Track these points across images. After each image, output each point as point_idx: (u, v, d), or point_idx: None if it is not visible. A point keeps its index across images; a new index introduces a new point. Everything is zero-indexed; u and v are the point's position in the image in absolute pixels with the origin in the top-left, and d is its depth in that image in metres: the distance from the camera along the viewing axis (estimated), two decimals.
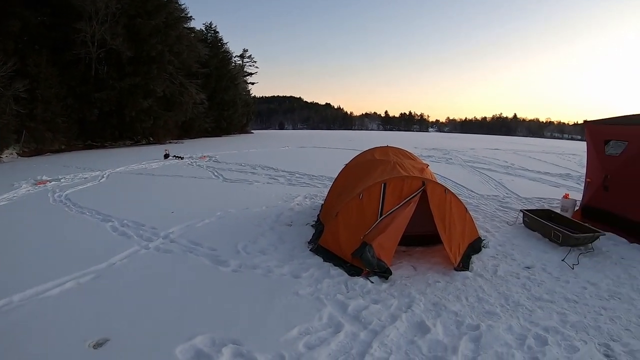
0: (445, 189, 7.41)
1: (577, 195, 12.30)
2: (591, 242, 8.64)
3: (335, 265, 6.94)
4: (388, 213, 7.03)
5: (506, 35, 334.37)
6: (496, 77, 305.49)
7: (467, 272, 7.06)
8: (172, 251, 7.53)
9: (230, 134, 47.19)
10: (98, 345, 4.54)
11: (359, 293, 6.04)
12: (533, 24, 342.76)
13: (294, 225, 9.35)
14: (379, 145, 10.22)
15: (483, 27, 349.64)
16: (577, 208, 11.40)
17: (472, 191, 14.99)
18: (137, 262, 7.04)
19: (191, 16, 37.45)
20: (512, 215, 11.38)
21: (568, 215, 10.84)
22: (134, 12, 29.97)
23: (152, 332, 4.83)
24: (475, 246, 8.06)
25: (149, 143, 32.02)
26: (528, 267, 7.55)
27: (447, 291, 6.33)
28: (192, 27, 40.09)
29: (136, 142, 32.01)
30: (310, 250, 7.66)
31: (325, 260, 7.15)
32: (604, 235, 8.80)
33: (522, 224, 10.32)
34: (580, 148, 40.27)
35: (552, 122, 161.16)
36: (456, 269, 7.08)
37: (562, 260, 7.91)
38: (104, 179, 15.47)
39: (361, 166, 9.05)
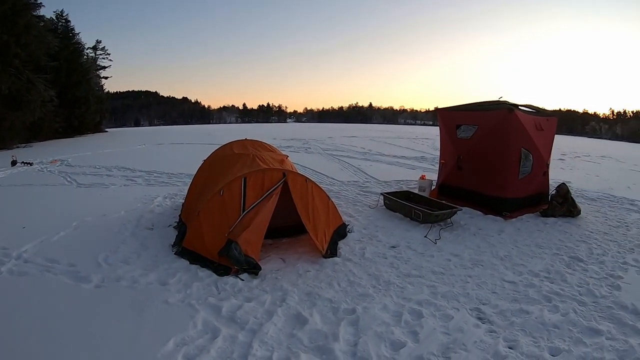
0: (306, 179, 7.42)
1: (433, 176, 13.13)
2: (450, 217, 9.21)
3: (203, 266, 6.63)
4: (251, 207, 6.88)
5: (359, 32, 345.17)
6: (352, 68, 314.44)
7: (335, 258, 7.18)
8: (28, 273, 6.55)
9: (83, 133, 43.69)
10: None
11: (231, 293, 5.84)
12: (383, 23, 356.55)
13: (156, 228, 8.83)
14: (238, 139, 10.00)
15: (337, 24, 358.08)
16: (433, 187, 12.26)
17: (332, 178, 15.31)
18: None
19: (41, 2, 33.65)
20: (373, 198, 11.83)
21: (426, 194, 11.58)
22: None
23: None
24: (341, 232, 8.20)
25: None
26: (394, 247, 7.88)
27: (319, 279, 6.37)
28: (41, 15, 35.86)
29: None
30: (174, 253, 7.24)
31: (191, 262, 6.80)
32: (461, 210, 9.51)
33: (384, 207, 10.73)
34: (432, 133, 42.92)
35: (406, 110, 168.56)
36: (324, 256, 7.17)
37: (425, 236, 8.34)
38: None
39: (220, 161, 8.78)
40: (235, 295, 5.77)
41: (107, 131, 51.63)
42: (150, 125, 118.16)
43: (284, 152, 10.38)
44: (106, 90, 57.92)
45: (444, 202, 10.18)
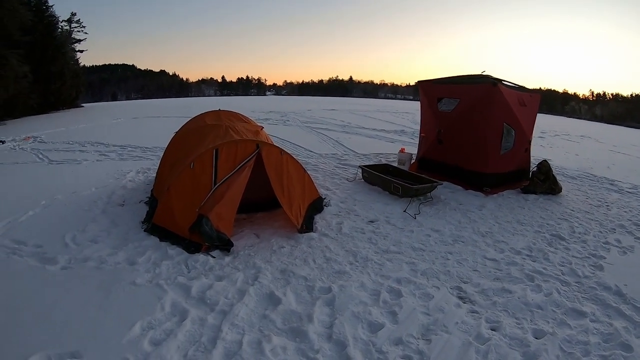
0: (281, 151, 7.13)
1: (413, 149, 13.02)
2: (430, 192, 9.03)
3: (173, 243, 6.34)
4: (222, 181, 6.55)
5: (339, 4, 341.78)
6: (333, 41, 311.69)
7: (311, 234, 6.97)
8: None
9: (59, 109, 42.47)
10: None
11: (201, 271, 5.58)
12: None
13: (128, 204, 8.51)
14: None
15: None
16: (413, 161, 12.13)
17: (310, 151, 15.07)
18: None
19: None
20: (351, 171, 11.63)
21: (405, 168, 11.46)
22: None
23: None
24: (317, 206, 7.98)
25: None
26: (372, 221, 7.69)
27: (294, 256, 6.15)
28: None
29: None
30: (144, 230, 6.94)
31: (162, 239, 6.51)
32: (441, 184, 9.33)
33: (362, 180, 10.51)
34: (412, 107, 42.45)
35: (386, 84, 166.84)
36: (300, 232, 6.94)
37: (404, 211, 8.13)
38: None
39: (192, 134, 8.39)
40: (205, 274, 5.52)
41: (83, 106, 50.03)
42: (127, 99, 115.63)
43: (259, 124, 10.00)
44: (82, 65, 55.89)
45: (423, 176, 9.96)
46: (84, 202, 8.63)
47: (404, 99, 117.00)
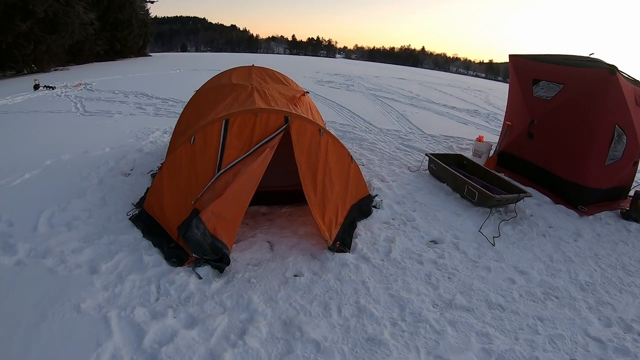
0: (320, 129, 5.08)
1: (489, 136, 10.88)
2: (514, 203, 6.84)
3: (155, 244, 4.66)
4: (230, 165, 4.67)
5: None
6: (407, 9, 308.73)
7: (347, 255, 4.95)
8: None
9: (126, 57, 42.91)
10: None
11: (173, 302, 3.83)
12: None
13: (134, 173, 7.04)
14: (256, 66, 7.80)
15: None
16: (492, 153, 9.84)
17: (370, 124, 13.22)
18: None
19: None
20: (415, 157, 9.64)
21: (481, 161, 9.34)
22: None
23: None
24: (363, 207, 5.99)
25: (31, 72, 27.31)
26: (435, 242, 5.64)
27: (312, 294, 4.20)
28: None
29: (19, 72, 27.28)
30: (129, 218, 5.30)
31: (145, 235, 4.85)
32: (530, 196, 7.05)
33: (427, 171, 8.49)
34: (485, 85, 40.31)
35: (459, 58, 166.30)
36: (330, 249, 4.95)
37: (479, 231, 6.01)
38: None
39: (210, 95, 6.59)
40: (176, 309, 3.75)
41: (151, 55, 51.06)
42: (196, 51, 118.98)
43: (305, 89, 7.96)
44: (153, 15, 56.65)
45: (506, 178, 7.79)
46: (86, 166, 7.40)
47: (476, 75, 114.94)
